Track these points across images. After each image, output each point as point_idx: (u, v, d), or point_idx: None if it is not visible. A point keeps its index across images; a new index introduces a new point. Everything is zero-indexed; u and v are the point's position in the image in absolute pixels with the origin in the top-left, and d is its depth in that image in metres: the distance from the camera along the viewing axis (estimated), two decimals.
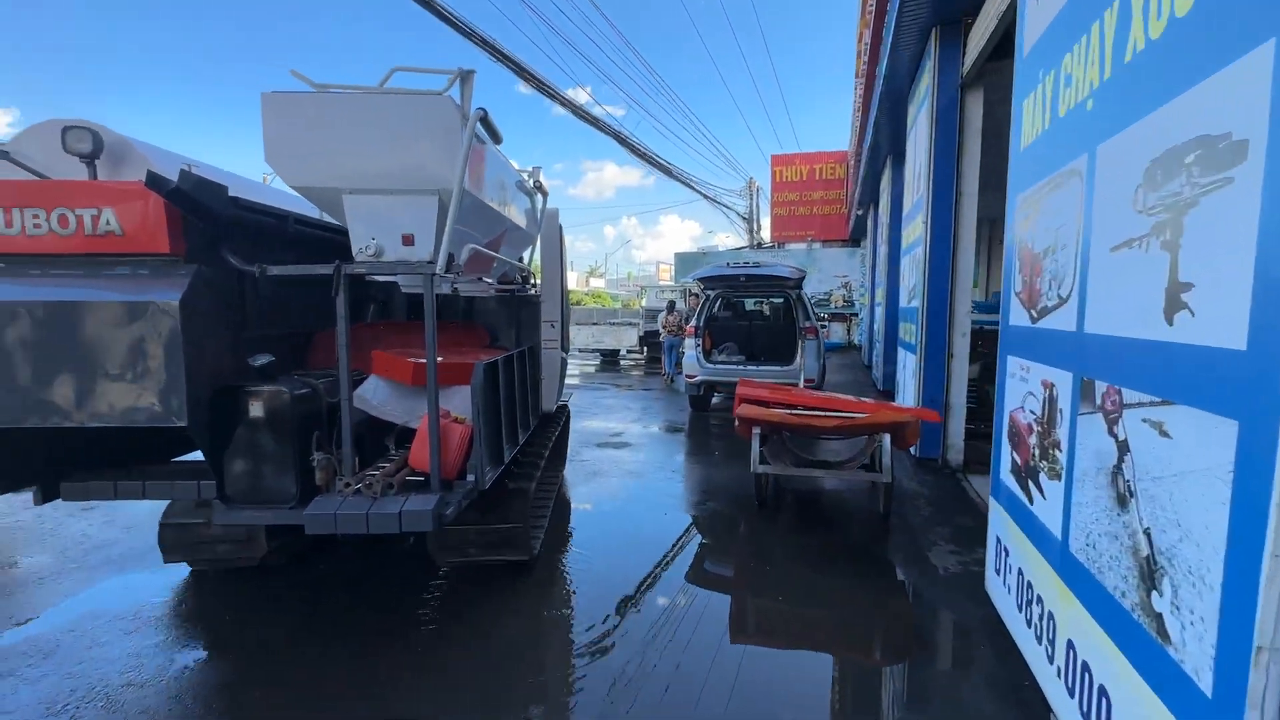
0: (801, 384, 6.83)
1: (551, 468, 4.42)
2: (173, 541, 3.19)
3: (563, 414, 5.09)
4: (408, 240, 2.67)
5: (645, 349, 14.87)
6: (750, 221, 23.69)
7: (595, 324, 14.30)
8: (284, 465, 2.55)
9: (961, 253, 5.42)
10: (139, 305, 2.24)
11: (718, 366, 7.54)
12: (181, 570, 3.42)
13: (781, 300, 8.55)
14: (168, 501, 3.18)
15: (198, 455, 2.69)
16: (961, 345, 5.50)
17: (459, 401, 2.90)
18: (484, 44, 7.89)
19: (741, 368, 7.43)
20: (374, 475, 2.56)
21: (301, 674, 2.51)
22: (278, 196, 3.35)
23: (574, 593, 3.27)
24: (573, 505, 4.64)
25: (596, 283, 47.99)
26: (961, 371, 5.51)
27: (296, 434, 2.54)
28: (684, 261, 24.49)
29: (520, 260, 4.53)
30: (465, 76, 2.68)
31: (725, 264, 7.73)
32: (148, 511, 4.33)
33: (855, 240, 21.73)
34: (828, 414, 3.90)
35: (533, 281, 4.79)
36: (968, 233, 5.39)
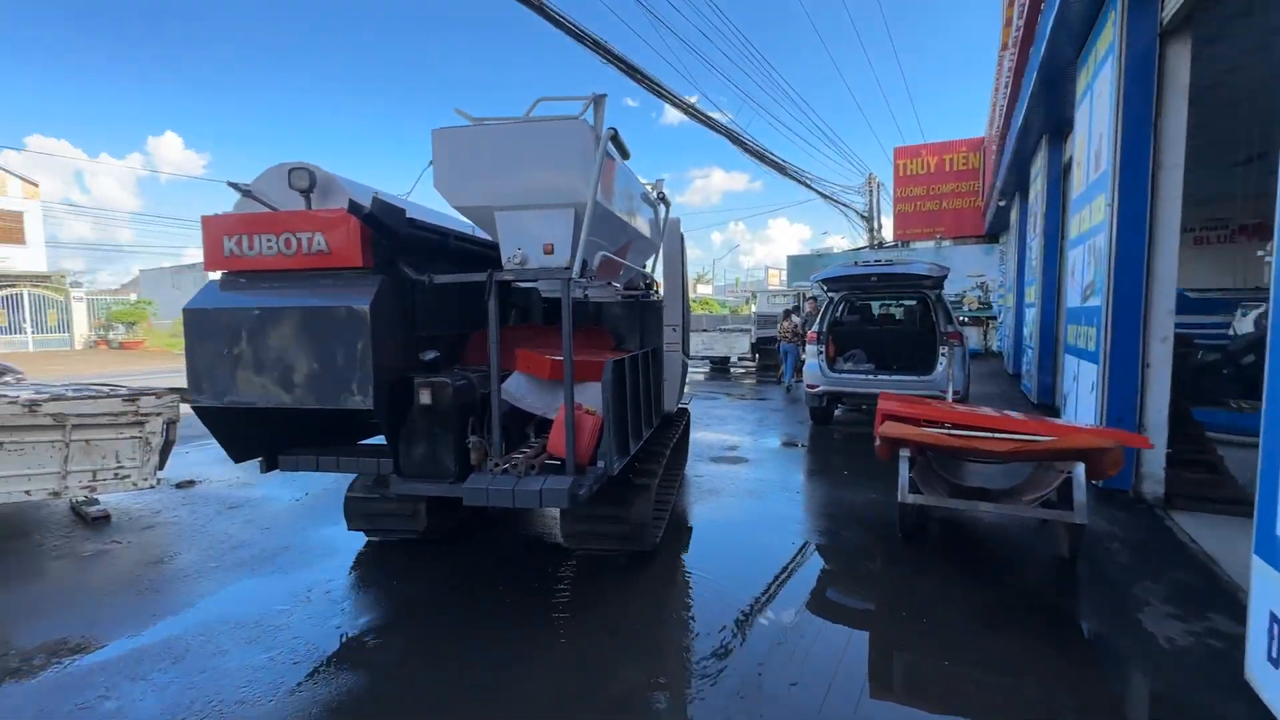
0: (949, 397, 6.01)
1: (672, 466, 4.52)
2: (354, 512, 3.74)
3: (683, 416, 5.18)
4: (548, 249, 2.93)
5: (758, 356, 14.24)
6: (870, 220, 22.16)
7: (705, 330, 13.88)
8: (446, 446, 2.94)
9: (1161, 239, 4.43)
10: (339, 309, 2.72)
11: (843, 376, 6.85)
12: (304, 577, 3.46)
13: (917, 302, 7.65)
14: (349, 479, 3.75)
15: (376, 440, 3.30)
16: (1161, 353, 4.50)
17: (591, 396, 3.13)
18: (595, 46, 7.83)
19: (871, 378, 6.68)
20: (518, 458, 2.92)
21: (415, 699, 2.34)
22: (416, 210, 3.53)
23: (692, 610, 2.89)
24: (689, 526, 4.27)
25: (704, 289, 47.53)
26: (1161, 384, 4.51)
27: (456, 420, 2.93)
28: (797, 265, 23.43)
29: (644, 267, 4.66)
30: (598, 101, 2.95)
31: (853, 263, 7.02)
32: (281, 514, 4.54)
33: (993, 236, 19.63)
34: (999, 435, 3.22)
35: (655, 287, 4.93)
36: (1169, 214, 4.40)
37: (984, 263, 19.71)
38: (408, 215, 2.98)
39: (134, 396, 4.38)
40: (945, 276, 6.52)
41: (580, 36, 7.58)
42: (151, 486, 4.51)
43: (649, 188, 4.19)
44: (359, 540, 3.92)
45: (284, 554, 3.79)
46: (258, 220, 2.92)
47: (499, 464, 2.87)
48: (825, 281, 7.04)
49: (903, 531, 3.83)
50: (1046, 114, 7.74)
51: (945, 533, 4.02)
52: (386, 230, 2.88)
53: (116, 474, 4.35)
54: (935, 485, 3.82)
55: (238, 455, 3.13)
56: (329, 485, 5.11)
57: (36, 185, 26.87)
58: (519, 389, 3.21)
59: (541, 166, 2.89)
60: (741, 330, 13.73)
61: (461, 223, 3.74)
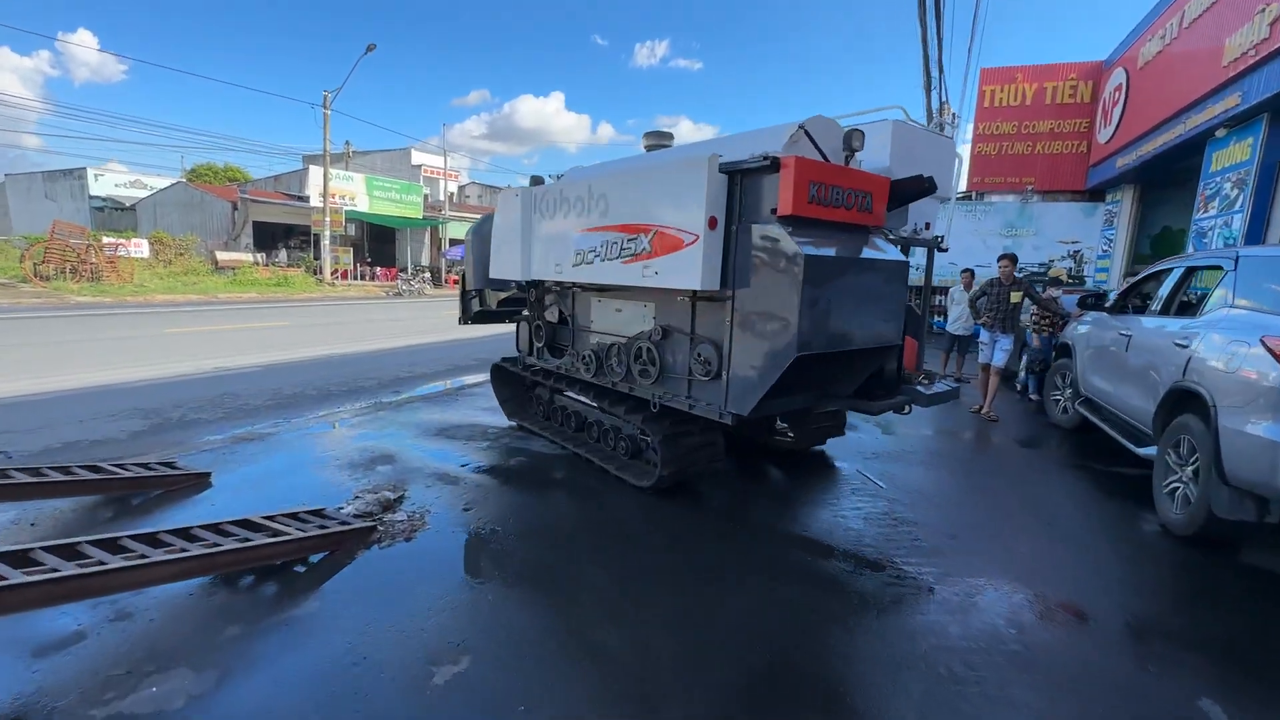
0: None
1: None
2: (669, 457, 3.83)
3: None
4: (928, 226, 4.12)
5: None
6: None
7: None
8: (894, 369, 3.91)
9: None
10: (904, 264, 3.47)
11: None
12: None
13: None
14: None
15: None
16: None
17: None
18: None
19: None
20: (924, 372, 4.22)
21: None
22: None
23: None
24: None
25: None
26: None
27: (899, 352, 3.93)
28: None
29: None
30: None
31: None
32: None
33: (1095, 193, 15.52)
34: None
35: None
36: None
37: (1082, 226, 15.67)
38: None
39: None
40: None
41: None
42: None
43: None
44: None
45: None
46: (842, 174, 3.18)
47: (926, 378, 4.08)
48: None
49: None
50: None
51: None
52: (900, 201, 3.58)
53: None
54: None
55: (763, 408, 3.33)
56: None
57: None
58: None
59: (939, 167, 3.77)
60: None
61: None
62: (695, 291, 3.42)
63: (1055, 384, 6.42)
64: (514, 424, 5.46)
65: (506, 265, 4.74)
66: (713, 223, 3.16)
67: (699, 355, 3.53)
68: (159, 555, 2.40)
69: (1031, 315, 7.26)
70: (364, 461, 4.42)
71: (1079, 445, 5.64)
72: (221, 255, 24.19)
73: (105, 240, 20.64)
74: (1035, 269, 15.19)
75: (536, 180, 4.76)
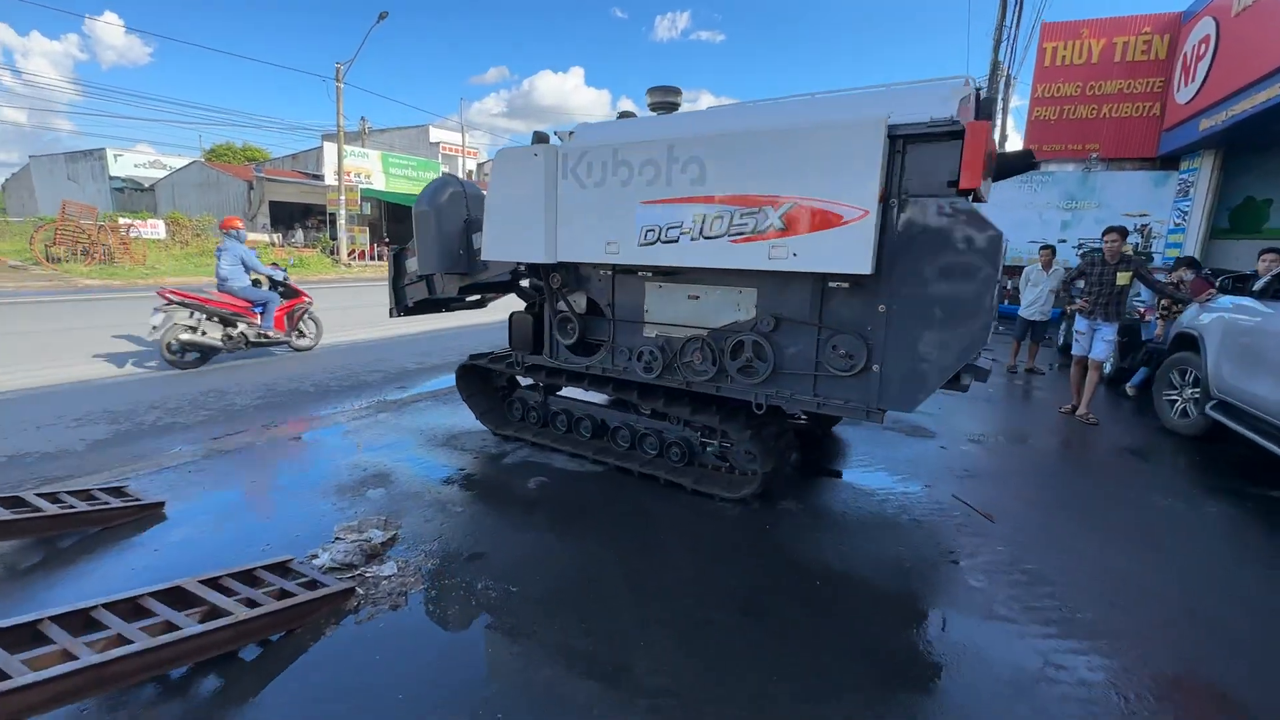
0: None
1: None
2: (762, 448, 3.53)
3: None
4: None
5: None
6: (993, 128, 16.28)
7: None
8: None
9: None
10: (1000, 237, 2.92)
11: None
12: None
13: None
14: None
15: None
16: None
17: None
18: None
19: None
20: None
21: None
22: None
23: None
24: None
25: None
26: None
27: None
28: None
29: None
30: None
31: None
32: None
33: (1168, 161, 14.09)
34: None
35: None
36: None
37: (1151, 198, 14.27)
38: None
39: None
40: None
41: None
42: None
43: None
44: None
45: None
46: (992, 144, 2.86)
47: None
48: None
49: None
50: None
51: None
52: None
53: None
54: None
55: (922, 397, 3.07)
56: None
57: None
58: None
59: None
60: None
61: None
62: (826, 275, 3.04)
63: (1171, 381, 5.42)
64: (508, 434, 4.56)
65: (516, 244, 3.76)
66: (882, 196, 2.74)
67: (835, 348, 3.12)
68: (23, 674, 1.65)
69: (1161, 303, 6.20)
70: (353, 484, 3.67)
71: (1211, 459, 4.68)
72: None
73: (121, 221, 20.25)
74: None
75: (540, 136, 3.70)
